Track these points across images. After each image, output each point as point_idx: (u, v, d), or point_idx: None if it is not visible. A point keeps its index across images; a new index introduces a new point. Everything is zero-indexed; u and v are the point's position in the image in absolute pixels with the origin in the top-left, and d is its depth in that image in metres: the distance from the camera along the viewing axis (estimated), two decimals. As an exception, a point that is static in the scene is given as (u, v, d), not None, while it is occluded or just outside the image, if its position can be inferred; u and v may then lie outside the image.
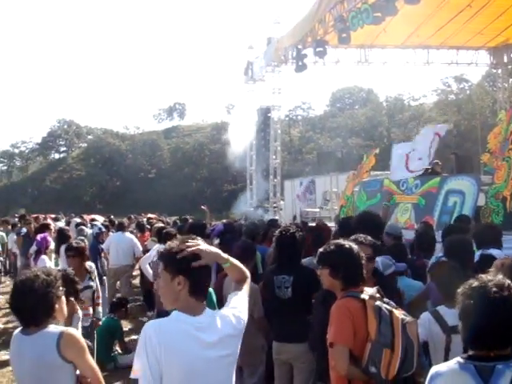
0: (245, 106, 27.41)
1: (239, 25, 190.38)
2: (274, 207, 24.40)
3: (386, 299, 3.98)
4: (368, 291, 3.98)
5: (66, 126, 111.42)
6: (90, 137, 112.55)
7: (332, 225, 12.69)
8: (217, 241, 8.94)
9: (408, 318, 3.87)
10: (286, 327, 5.71)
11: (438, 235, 7.53)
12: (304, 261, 6.62)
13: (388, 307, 3.88)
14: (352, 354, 3.86)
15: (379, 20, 13.63)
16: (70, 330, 3.59)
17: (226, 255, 3.26)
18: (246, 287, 3.30)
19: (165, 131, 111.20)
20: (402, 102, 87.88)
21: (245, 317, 3.10)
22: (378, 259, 5.26)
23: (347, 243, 4.21)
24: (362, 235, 4.85)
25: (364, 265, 4.16)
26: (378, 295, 3.96)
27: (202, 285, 3.01)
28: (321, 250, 4.30)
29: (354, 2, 14.13)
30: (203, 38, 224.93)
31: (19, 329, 3.65)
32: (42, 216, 24.68)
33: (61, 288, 3.70)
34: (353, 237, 4.76)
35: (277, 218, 18.47)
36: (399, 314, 3.87)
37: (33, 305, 3.50)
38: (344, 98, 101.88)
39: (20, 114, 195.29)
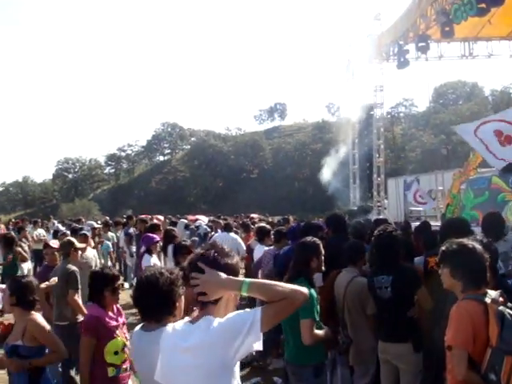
0: (346, 104, 27.25)
1: (339, 23, 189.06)
2: (378, 206, 24.11)
3: (510, 304, 3.77)
4: (491, 294, 3.80)
5: (169, 129, 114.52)
6: (193, 139, 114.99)
7: (438, 224, 12.41)
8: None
9: None
10: (388, 327, 5.65)
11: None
12: (416, 259, 6.54)
13: None
14: (470, 359, 3.72)
15: (484, 11, 13.17)
16: None
17: (240, 279, 2.88)
18: (277, 306, 2.76)
19: (266, 132, 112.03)
20: (508, 96, 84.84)
21: (221, 328, 2.75)
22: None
23: (470, 243, 4.01)
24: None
25: (488, 267, 3.96)
26: (501, 299, 3.76)
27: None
28: (443, 248, 4.11)
29: (456, -6, 13.76)
30: (303, 37, 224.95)
31: (140, 325, 3.73)
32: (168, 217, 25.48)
33: (182, 287, 3.77)
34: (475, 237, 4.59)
35: (382, 217, 18.23)
36: None
37: (157, 301, 3.59)
38: (447, 94, 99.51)
39: (126, 118, 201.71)
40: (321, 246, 5.42)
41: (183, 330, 2.89)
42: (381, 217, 17.80)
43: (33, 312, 4.95)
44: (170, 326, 3.00)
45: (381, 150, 24.72)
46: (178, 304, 3.71)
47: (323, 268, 5.56)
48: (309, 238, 5.50)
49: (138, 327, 3.75)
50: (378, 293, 5.66)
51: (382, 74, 23.81)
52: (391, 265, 5.66)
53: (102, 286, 4.93)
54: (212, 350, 2.71)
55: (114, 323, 4.80)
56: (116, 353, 4.66)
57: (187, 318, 2.99)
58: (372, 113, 24.83)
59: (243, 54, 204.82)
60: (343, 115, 26.63)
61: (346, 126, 25.91)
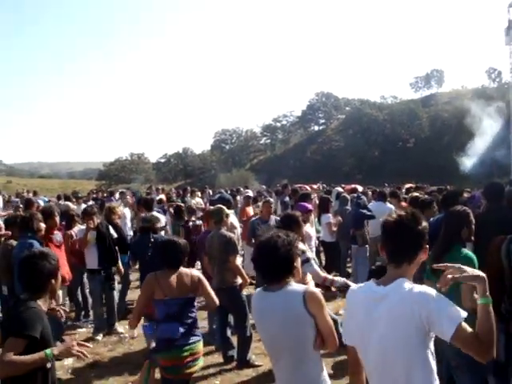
0: (507, 68, 26.09)
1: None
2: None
3: None
4: None
5: (324, 99, 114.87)
6: (347, 108, 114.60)
7: None
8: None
9: None
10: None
11: None
12: None
13: None
14: None
15: None
16: (312, 288, 3.80)
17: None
18: (473, 338, 2.64)
19: (423, 99, 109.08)
20: None
21: (415, 297, 2.73)
22: None
23: None
24: None
25: None
26: None
27: (390, 251, 2.99)
28: None
29: None
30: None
31: (260, 287, 3.86)
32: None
33: (299, 248, 3.88)
34: None
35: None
36: None
37: (277, 263, 3.67)
38: None
39: (281, 89, 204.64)
40: (471, 214, 5.28)
41: (375, 292, 2.91)
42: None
43: None
44: (355, 288, 3.19)
45: (544, 116, 23.52)
46: (295, 264, 3.78)
47: (472, 238, 5.42)
48: (459, 207, 5.36)
49: (259, 289, 3.89)
50: None
51: (545, 35, 22.55)
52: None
53: None
54: (407, 318, 2.71)
55: None
56: None
57: (373, 280, 3.03)
58: (535, 77, 23.64)
59: (397, 20, 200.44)
60: (504, 80, 25.46)
61: (508, 93, 24.86)
